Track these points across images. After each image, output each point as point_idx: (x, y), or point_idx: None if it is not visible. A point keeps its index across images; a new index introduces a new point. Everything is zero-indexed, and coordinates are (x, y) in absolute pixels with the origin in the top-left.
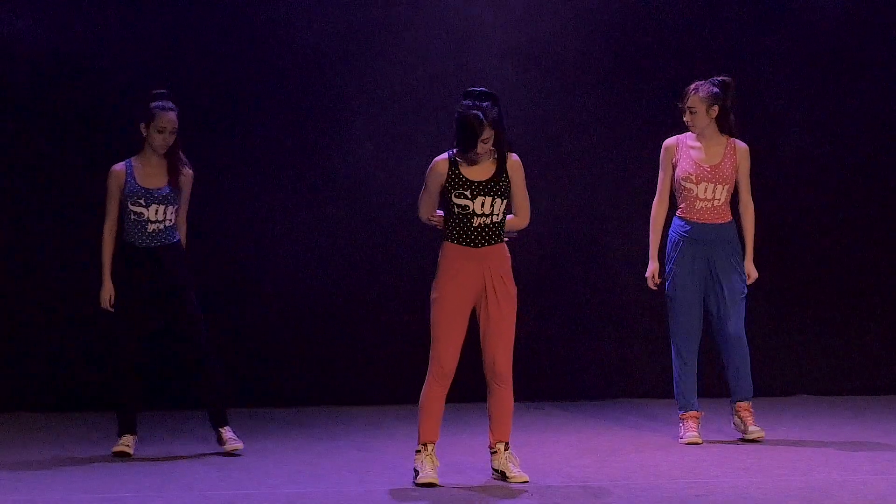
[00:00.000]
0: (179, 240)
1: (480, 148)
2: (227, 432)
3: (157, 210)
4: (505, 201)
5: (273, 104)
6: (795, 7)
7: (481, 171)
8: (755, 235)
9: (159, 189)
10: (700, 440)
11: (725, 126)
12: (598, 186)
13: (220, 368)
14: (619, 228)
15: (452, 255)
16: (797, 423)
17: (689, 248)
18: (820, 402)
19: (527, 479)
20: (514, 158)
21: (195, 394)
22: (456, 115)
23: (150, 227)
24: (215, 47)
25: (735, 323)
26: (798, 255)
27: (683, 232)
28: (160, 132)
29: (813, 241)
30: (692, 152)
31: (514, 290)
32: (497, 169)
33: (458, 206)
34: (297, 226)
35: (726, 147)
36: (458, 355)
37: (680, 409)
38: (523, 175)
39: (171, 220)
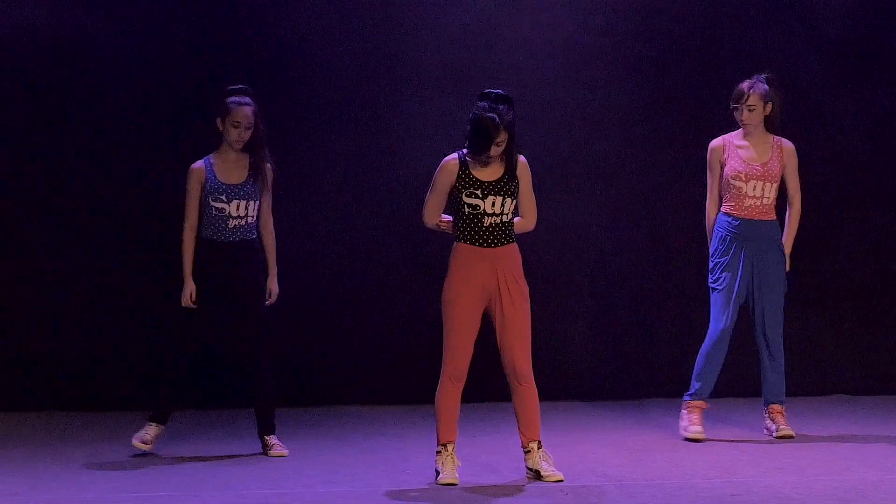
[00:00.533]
0: (257, 238)
1: (494, 151)
2: (272, 439)
3: (238, 205)
4: (514, 201)
5: (278, 101)
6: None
7: (491, 171)
8: (798, 231)
9: (240, 184)
10: (703, 436)
11: (771, 124)
12: (620, 184)
13: (273, 376)
14: (650, 228)
15: (464, 256)
16: (833, 422)
17: (736, 244)
18: (856, 401)
19: (561, 477)
20: (521, 160)
21: (245, 397)
22: (471, 116)
23: (231, 223)
24: (230, 44)
25: (776, 327)
26: (837, 254)
27: (731, 228)
28: (235, 127)
29: (854, 239)
30: (740, 151)
31: (527, 289)
32: (506, 168)
33: (469, 205)
34: (327, 226)
35: (773, 145)
36: (472, 355)
37: (689, 395)
38: (530, 177)
39: (252, 215)
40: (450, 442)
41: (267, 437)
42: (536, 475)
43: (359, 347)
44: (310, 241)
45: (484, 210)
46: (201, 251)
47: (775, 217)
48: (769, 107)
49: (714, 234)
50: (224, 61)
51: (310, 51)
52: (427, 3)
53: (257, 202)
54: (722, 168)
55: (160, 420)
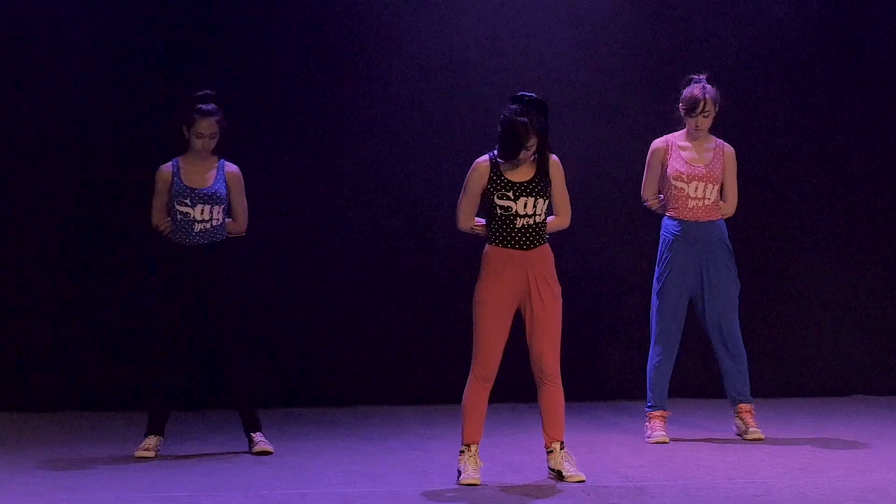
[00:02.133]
0: (226, 239)
1: (524, 154)
2: (257, 436)
3: (202, 210)
4: (546, 201)
5: (286, 101)
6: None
7: (523, 172)
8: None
9: (205, 188)
10: (667, 439)
11: (712, 126)
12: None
13: (253, 374)
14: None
15: (496, 258)
16: (853, 423)
17: (682, 248)
18: (876, 402)
19: (583, 478)
20: (554, 159)
21: (225, 397)
22: (502, 118)
23: (197, 227)
24: (243, 41)
25: (733, 327)
26: (854, 255)
27: (676, 231)
28: (199, 137)
29: (871, 239)
30: (683, 153)
31: (558, 291)
32: (538, 169)
33: (501, 207)
34: (345, 223)
35: (715, 147)
36: (501, 357)
37: (650, 407)
38: (563, 176)
39: (218, 219)
40: (474, 443)
41: (252, 434)
42: (558, 476)
43: (382, 347)
44: (335, 240)
45: (516, 212)
46: (167, 254)
47: (720, 217)
48: (716, 110)
49: (660, 241)
50: (222, 61)
51: (326, 45)
52: (433, 4)
53: (223, 206)
54: (663, 168)
55: (154, 432)
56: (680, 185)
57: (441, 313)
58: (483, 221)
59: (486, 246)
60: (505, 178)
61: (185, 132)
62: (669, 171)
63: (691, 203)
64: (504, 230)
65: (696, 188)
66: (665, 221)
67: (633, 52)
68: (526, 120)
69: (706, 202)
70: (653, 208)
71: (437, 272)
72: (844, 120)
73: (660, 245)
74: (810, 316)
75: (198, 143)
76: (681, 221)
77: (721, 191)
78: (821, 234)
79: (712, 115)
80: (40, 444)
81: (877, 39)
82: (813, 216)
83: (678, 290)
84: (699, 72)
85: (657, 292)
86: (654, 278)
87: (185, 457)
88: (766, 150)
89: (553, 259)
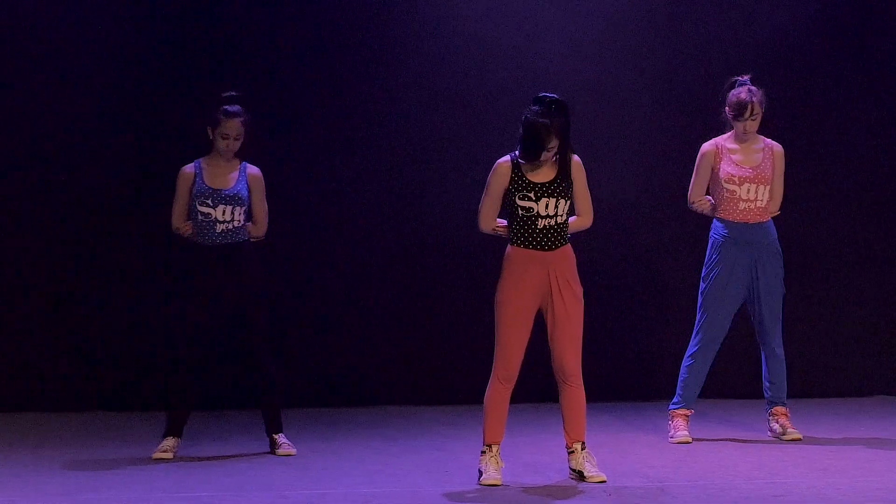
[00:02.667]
0: (248, 240)
1: (545, 156)
2: (280, 438)
3: (224, 210)
4: (568, 202)
5: (300, 102)
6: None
7: (544, 173)
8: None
9: (227, 189)
10: (690, 439)
11: (760, 127)
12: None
13: (278, 374)
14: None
15: (517, 259)
16: (876, 423)
17: (731, 251)
18: None
19: (604, 478)
20: (575, 159)
21: (252, 396)
22: (523, 119)
23: (219, 228)
24: (245, 43)
25: (777, 329)
26: (877, 255)
27: (726, 233)
28: (224, 138)
29: (895, 239)
30: (733, 156)
31: (580, 291)
32: (559, 170)
33: (523, 208)
34: (367, 225)
35: (764, 148)
36: (522, 357)
37: (676, 404)
38: (585, 176)
39: (240, 220)
40: (495, 443)
41: (275, 436)
42: (579, 476)
43: (403, 348)
44: (357, 242)
45: (537, 212)
46: (189, 255)
47: (769, 219)
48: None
49: (709, 242)
50: (235, 64)
51: (345, 48)
52: (447, 6)
53: (244, 208)
54: (713, 172)
55: (172, 433)
56: (732, 187)
57: (463, 314)
58: (505, 223)
59: (508, 246)
60: (526, 179)
61: (210, 133)
62: (721, 174)
63: (742, 205)
64: (526, 231)
65: (748, 190)
66: (715, 223)
67: (647, 50)
68: (548, 121)
69: (757, 204)
70: (702, 211)
71: (461, 273)
72: (860, 119)
73: (708, 246)
74: (833, 316)
75: (222, 145)
76: (731, 223)
77: None
78: (843, 234)
79: (760, 117)
80: (63, 444)
81: (883, 38)
82: (835, 216)
83: (724, 292)
84: (740, 73)
85: (702, 292)
86: (701, 278)
87: (207, 458)
88: (804, 149)
89: (575, 259)
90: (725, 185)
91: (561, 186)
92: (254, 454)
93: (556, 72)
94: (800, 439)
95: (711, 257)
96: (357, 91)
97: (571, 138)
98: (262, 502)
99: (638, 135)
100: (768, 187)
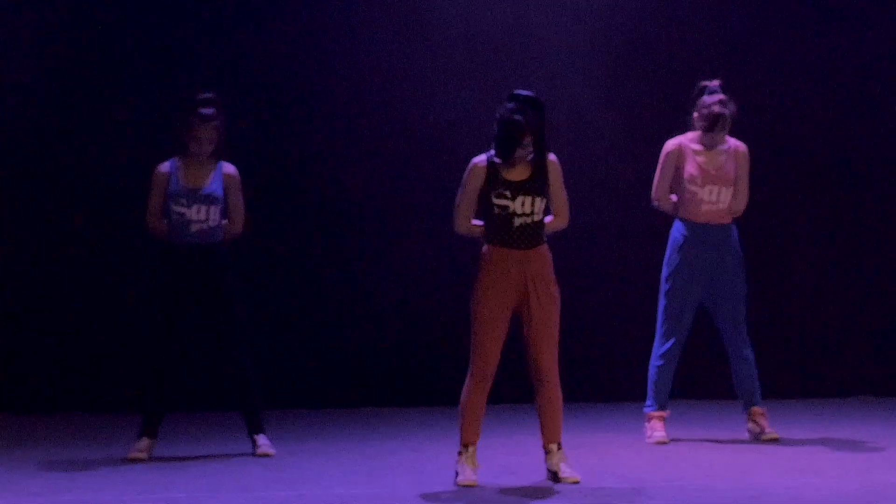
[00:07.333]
0: (223, 240)
1: (520, 153)
2: (260, 439)
3: (199, 210)
4: (544, 200)
5: (289, 106)
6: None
7: (520, 171)
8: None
9: (203, 188)
10: (667, 440)
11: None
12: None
13: (256, 375)
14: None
15: (494, 258)
16: (855, 423)
17: (692, 250)
18: (879, 403)
19: (578, 479)
20: (551, 158)
21: (228, 397)
22: (497, 116)
23: (194, 228)
24: (260, 46)
25: (742, 329)
26: (860, 255)
27: (687, 233)
28: (196, 141)
29: (875, 240)
30: (696, 157)
31: (557, 291)
32: (535, 168)
33: (499, 206)
34: (342, 225)
35: (728, 149)
36: (499, 356)
37: (650, 407)
38: (561, 175)
39: (214, 219)
40: (472, 443)
41: (255, 437)
42: (554, 477)
43: (379, 349)
44: (329, 241)
45: (514, 211)
46: (164, 255)
47: (731, 220)
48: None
49: (669, 243)
50: (221, 61)
51: (327, 49)
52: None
53: (220, 207)
54: (677, 171)
55: (147, 434)
56: (694, 188)
57: (439, 315)
58: (481, 223)
59: (484, 245)
60: (502, 177)
61: (183, 135)
62: (684, 174)
63: (704, 206)
64: (502, 230)
65: (710, 192)
66: (676, 223)
67: (641, 50)
68: (521, 118)
69: (720, 206)
70: (665, 210)
71: (436, 273)
72: (847, 117)
73: (668, 246)
74: (813, 317)
75: (194, 146)
76: (693, 224)
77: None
78: (824, 233)
79: (728, 126)
80: (38, 445)
81: (851, 38)
82: (816, 216)
83: (685, 292)
84: (709, 77)
85: (664, 293)
86: (662, 279)
87: (184, 458)
88: (771, 149)
89: (551, 259)
90: (688, 186)
91: (537, 184)
92: (230, 455)
93: (552, 72)
94: (777, 440)
95: (672, 258)
96: (351, 90)
97: (547, 138)
98: (238, 503)
99: (609, 134)
100: (731, 189)
